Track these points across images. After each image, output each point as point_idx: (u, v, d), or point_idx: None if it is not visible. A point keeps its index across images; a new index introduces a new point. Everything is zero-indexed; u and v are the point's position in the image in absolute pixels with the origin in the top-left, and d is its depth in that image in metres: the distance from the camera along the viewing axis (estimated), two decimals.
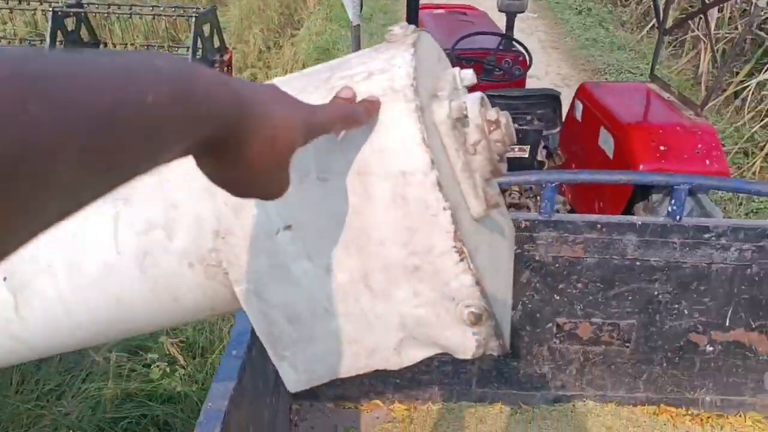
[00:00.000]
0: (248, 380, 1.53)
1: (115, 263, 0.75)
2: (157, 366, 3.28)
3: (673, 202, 2.17)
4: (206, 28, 5.13)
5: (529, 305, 2.29)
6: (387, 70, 0.66)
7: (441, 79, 0.72)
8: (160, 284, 0.76)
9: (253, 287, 0.73)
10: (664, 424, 2.33)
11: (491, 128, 0.70)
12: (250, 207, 0.71)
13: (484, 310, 0.68)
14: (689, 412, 2.42)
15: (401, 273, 0.68)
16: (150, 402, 3.10)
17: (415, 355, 0.73)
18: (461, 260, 0.66)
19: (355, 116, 0.60)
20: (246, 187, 0.50)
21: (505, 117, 0.71)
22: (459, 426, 2.23)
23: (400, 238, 0.67)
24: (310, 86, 0.69)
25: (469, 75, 0.74)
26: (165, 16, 5.80)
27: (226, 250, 0.73)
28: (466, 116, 0.69)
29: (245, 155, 0.45)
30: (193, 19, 4.93)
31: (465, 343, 0.70)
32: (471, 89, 0.77)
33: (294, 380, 0.77)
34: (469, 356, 0.70)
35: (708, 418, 2.40)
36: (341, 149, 0.66)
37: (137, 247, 0.75)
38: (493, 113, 0.71)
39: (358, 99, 0.64)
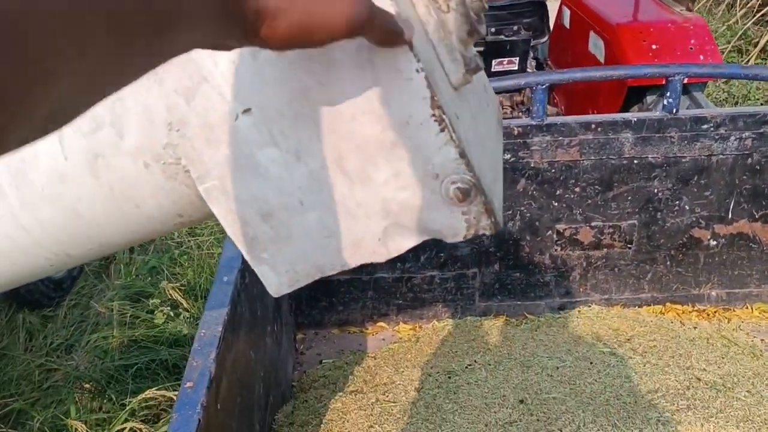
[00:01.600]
0: (244, 307, 1.50)
1: (64, 170, 0.69)
2: (161, 311, 3.27)
3: (668, 94, 2.09)
4: None
5: (528, 214, 2.25)
6: None
7: None
8: (116, 190, 0.69)
9: (219, 183, 0.67)
10: (671, 322, 2.31)
11: None
12: (202, 92, 0.64)
13: (471, 184, 0.62)
14: (695, 308, 2.40)
15: (378, 152, 0.62)
16: (157, 347, 3.10)
17: (403, 243, 0.67)
18: (442, 130, 0.60)
19: None
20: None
21: None
22: (465, 340, 2.21)
23: (372, 111, 0.60)
24: None
25: None
26: None
27: (182, 144, 0.66)
28: None
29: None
30: None
31: (454, 225, 0.64)
32: None
33: (276, 284, 0.70)
34: (460, 238, 0.65)
35: (714, 312, 2.39)
36: None
37: (86, 150, 0.68)
38: None
39: None
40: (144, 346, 3.12)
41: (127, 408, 2.74)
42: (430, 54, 0.62)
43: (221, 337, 1.24)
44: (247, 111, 0.63)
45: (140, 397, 2.77)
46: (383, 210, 0.65)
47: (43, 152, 0.69)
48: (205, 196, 0.68)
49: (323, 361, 2.19)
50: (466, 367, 2.01)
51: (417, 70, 0.58)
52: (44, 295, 3.31)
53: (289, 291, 0.72)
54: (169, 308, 3.27)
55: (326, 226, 0.67)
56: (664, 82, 2.14)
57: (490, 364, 2.01)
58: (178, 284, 3.39)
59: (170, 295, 3.31)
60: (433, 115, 0.59)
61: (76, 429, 2.68)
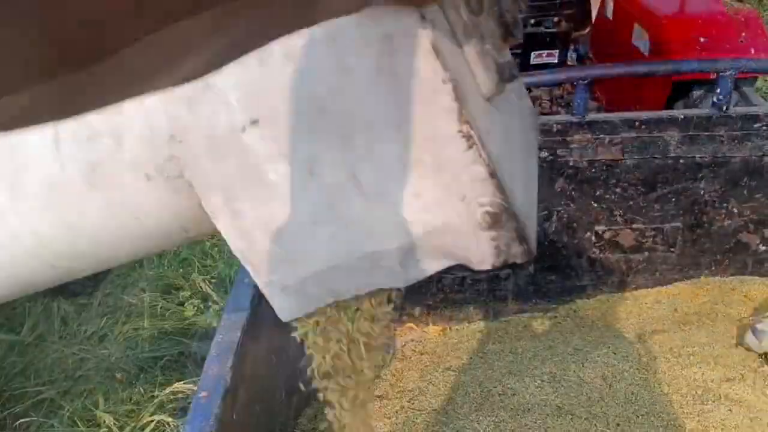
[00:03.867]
0: (266, 309, 1.44)
1: (59, 180, 0.64)
2: (191, 303, 3.27)
3: (718, 90, 1.98)
4: None
5: (565, 215, 2.16)
6: None
7: None
8: (115, 202, 0.65)
9: (224, 200, 0.62)
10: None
11: None
12: (206, 101, 0.59)
13: (502, 208, 0.56)
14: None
15: (397, 168, 0.57)
16: (186, 339, 3.09)
17: (424, 268, 0.62)
18: (470, 147, 0.54)
19: None
20: None
21: None
22: (496, 345, 2.14)
23: (391, 124, 0.55)
24: None
25: None
26: None
27: (185, 156, 0.61)
28: None
29: None
30: None
31: (482, 251, 0.59)
32: None
33: (286, 308, 0.67)
34: (488, 266, 0.59)
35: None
36: None
37: (83, 160, 0.64)
38: None
39: None
40: (173, 338, 3.12)
41: (156, 400, 2.73)
42: (458, 60, 0.56)
43: (239, 343, 1.19)
44: (254, 122, 0.58)
45: (168, 390, 2.76)
46: (403, 232, 0.60)
47: (38, 159, 0.65)
48: (209, 212, 0.63)
49: None
50: (499, 376, 1.93)
51: (443, 81, 0.52)
52: (78, 283, 3.32)
53: (300, 315, 0.68)
54: (199, 301, 3.26)
55: (340, 246, 0.62)
56: (713, 77, 2.03)
57: (524, 373, 1.93)
58: (208, 276, 3.38)
59: (200, 287, 3.30)
60: (461, 130, 0.54)
61: (104, 421, 2.68)
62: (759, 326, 1.98)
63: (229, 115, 0.58)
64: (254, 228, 0.63)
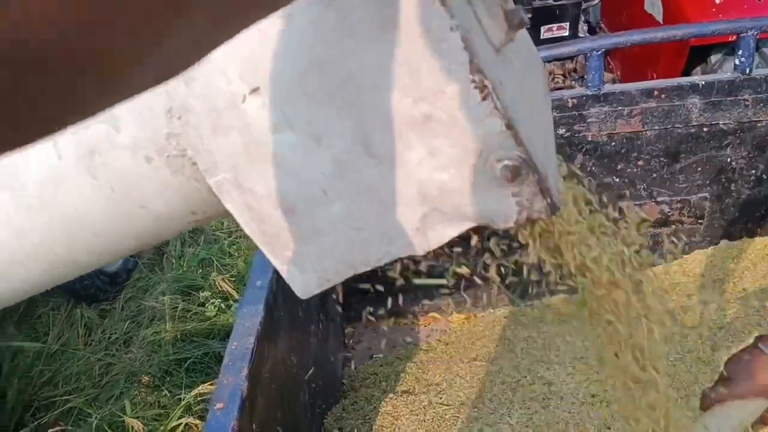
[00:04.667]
0: (282, 311, 1.40)
1: (59, 171, 0.61)
2: (212, 303, 3.25)
3: (740, 52, 1.89)
4: None
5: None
6: None
7: None
8: (118, 190, 0.62)
9: (231, 176, 0.59)
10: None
11: None
12: (203, 72, 0.56)
13: (521, 161, 0.52)
14: None
15: (409, 128, 0.53)
16: (209, 340, 3.08)
17: (445, 232, 0.58)
18: (484, 99, 0.50)
19: None
20: None
21: None
22: (522, 331, 2.08)
23: (399, 81, 0.51)
24: None
25: None
26: None
27: (186, 133, 0.58)
28: None
29: None
30: None
31: (504, 209, 0.55)
32: None
33: (303, 285, 0.63)
34: (511, 224, 0.55)
35: None
36: None
37: (80, 147, 0.61)
38: None
39: None
40: (196, 340, 3.11)
41: (182, 403, 2.72)
42: (464, 9, 0.52)
43: (254, 350, 1.14)
44: (255, 91, 0.55)
45: (194, 392, 2.75)
46: (420, 195, 0.57)
47: (36, 151, 0.62)
48: (216, 191, 0.60)
49: (374, 356, 2.10)
50: (527, 364, 1.87)
51: (452, 28, 0.49)
52: (100, 289, 3.34)
53: (317, 291, 0.64)
54: (219, 300, 3.25)
55: (355, 217, 0.59)
56: (734, 39, 1.94)
57: (552, 359, 1.87)
58: (228, 275, 3.37)
59: (220, 286, 3.29)
60: (473, 80, 0.50)
61: (133, 427, 2.68)
62: None
63: (228, 85, 0.56)
64: (265, 205, 0.60)
